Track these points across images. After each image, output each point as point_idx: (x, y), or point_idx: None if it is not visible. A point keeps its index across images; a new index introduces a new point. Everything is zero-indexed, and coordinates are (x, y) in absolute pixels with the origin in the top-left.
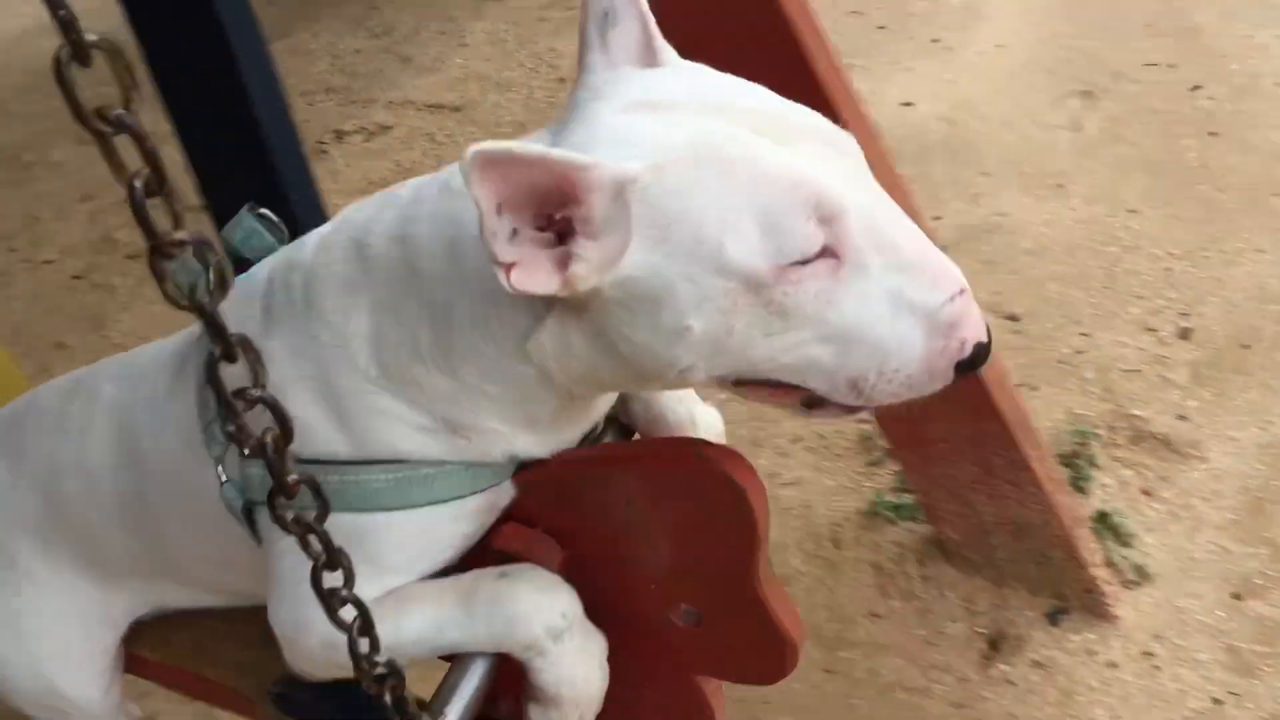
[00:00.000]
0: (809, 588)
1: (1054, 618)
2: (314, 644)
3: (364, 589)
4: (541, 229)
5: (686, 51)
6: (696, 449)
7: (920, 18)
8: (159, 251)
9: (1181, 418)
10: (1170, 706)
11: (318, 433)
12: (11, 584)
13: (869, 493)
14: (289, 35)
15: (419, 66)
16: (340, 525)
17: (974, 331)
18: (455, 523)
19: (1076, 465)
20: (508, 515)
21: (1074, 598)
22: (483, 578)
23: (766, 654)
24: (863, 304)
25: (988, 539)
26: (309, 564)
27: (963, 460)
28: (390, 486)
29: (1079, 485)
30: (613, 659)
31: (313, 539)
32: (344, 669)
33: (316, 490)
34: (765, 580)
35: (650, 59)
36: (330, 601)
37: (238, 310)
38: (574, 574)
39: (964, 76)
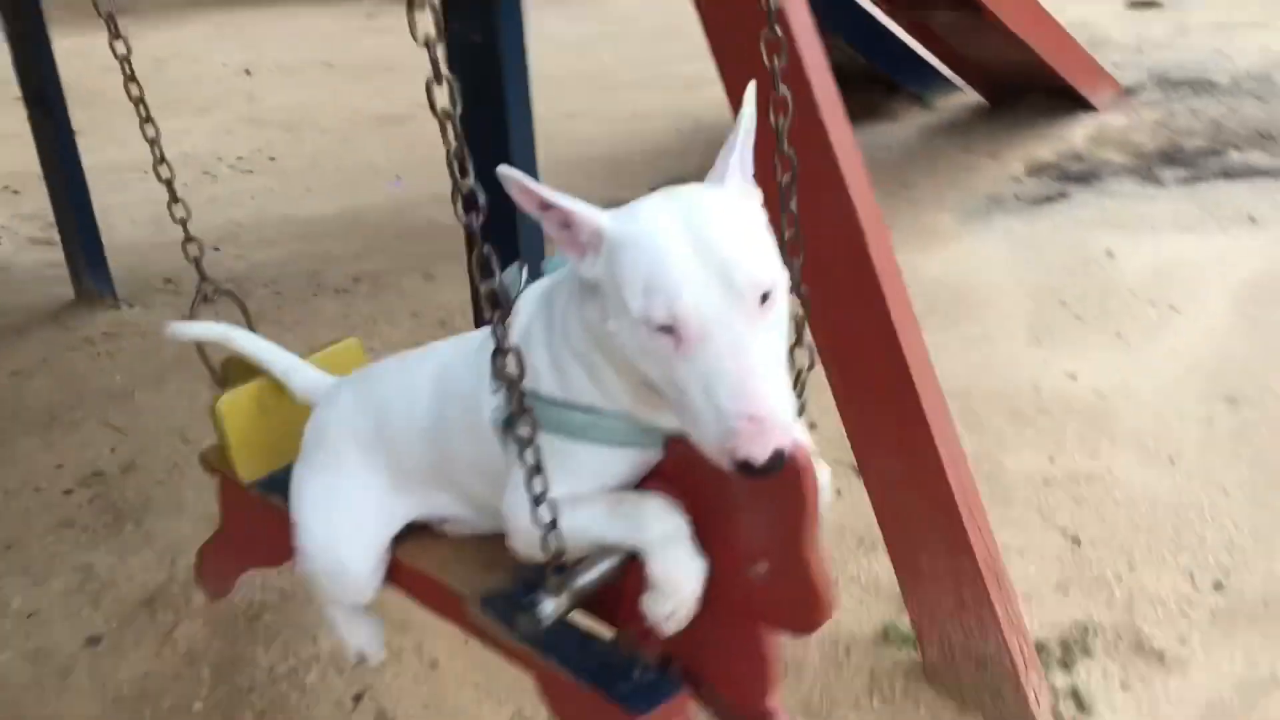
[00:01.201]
0: (816, 672)
1: None
2: (524, 524)
3: (555, 487)
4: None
5: None
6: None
7: (1106, 300)
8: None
9: (1183, 642)
10: None
11: (542, 375)
12: (334, 475)
13: (886, 618)
14: None
15: None
16: (550, 443)
17: (749, 450)
18: (619, 463)
19: (1068, 648)
20: (655, 472)
21: None
22: (629, 495)
23: (809, 610)
24: (685, 375)
25: (956, 668)
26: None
27: (942, 591)
28: (583, 423)
29: (1064, 663)
30: (704, 597)
31: (526, 449)
32: (538, 546)
33: (529, 412)
34: (813, 550)
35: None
36: (535, 501)
37: (527, 301)
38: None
39: (1131, 366)
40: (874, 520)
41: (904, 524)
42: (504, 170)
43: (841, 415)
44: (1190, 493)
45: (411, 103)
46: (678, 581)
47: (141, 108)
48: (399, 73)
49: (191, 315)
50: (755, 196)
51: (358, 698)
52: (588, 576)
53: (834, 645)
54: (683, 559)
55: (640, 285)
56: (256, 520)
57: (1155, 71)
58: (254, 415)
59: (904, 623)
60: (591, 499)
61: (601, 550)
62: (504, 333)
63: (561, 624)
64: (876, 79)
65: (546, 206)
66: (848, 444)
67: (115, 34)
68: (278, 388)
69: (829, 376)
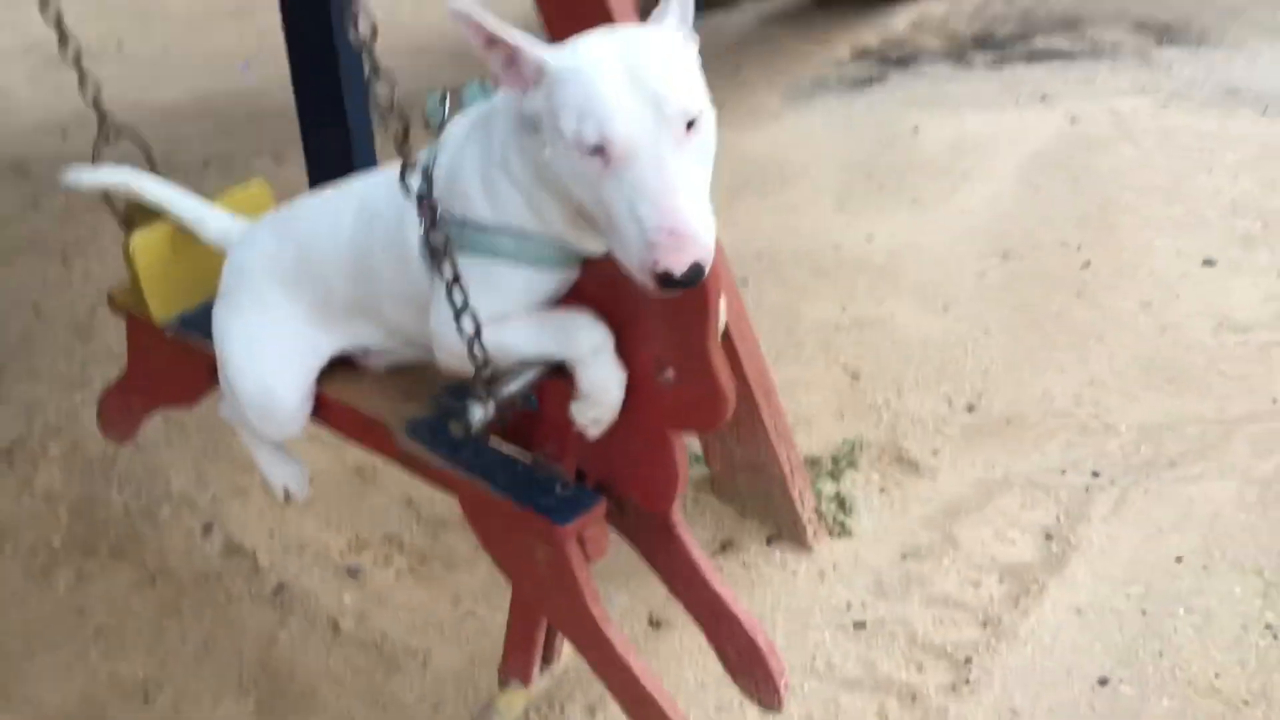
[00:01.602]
0: None
1: (769, 540)
2: (453, 338)
3: (482, 305)
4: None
5: None
6: None
7: (907, 171)
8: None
9: (935, 453)
10: (823, 606)
11: (475, 201)
12: (258, 313)
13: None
14: None
15: None
16: (478, 266)
17: (670, 261)
18: (544, 282)
19: (837, 461)
20: (573, 291)
21: (785, 529)
22: (556, 312)
23: (714, 405)
24: (612, 194)
25: (736, 478)
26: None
27: None
28: (509, 245)
29: (833, 474)
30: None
31: (447, 265)
32: (465, 359)
33: (447, 237)
34: (716, 351)
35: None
36: (458, 313)
37: (456, 130)
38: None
39: (922, 228)
40: None
41: None
42: (455, 5)
43: None
44: (957, 333)
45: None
46: (605, 388)
47: None
48: None
49: (94, 159)
50: (692, 40)
51: (207, 528)
52: (512, 385)
53: None
54: (608, 367)
55: (575, 110)
56: (168, 360)
57: None
58: (166, 255)
59: (695, 443)
60: (520, 316)
61: (522, 364)
62: (408, 150)
63: (483, 449)
64: None
65: (493, 42)
66: None
67: None
68: (185, 236)
69: None
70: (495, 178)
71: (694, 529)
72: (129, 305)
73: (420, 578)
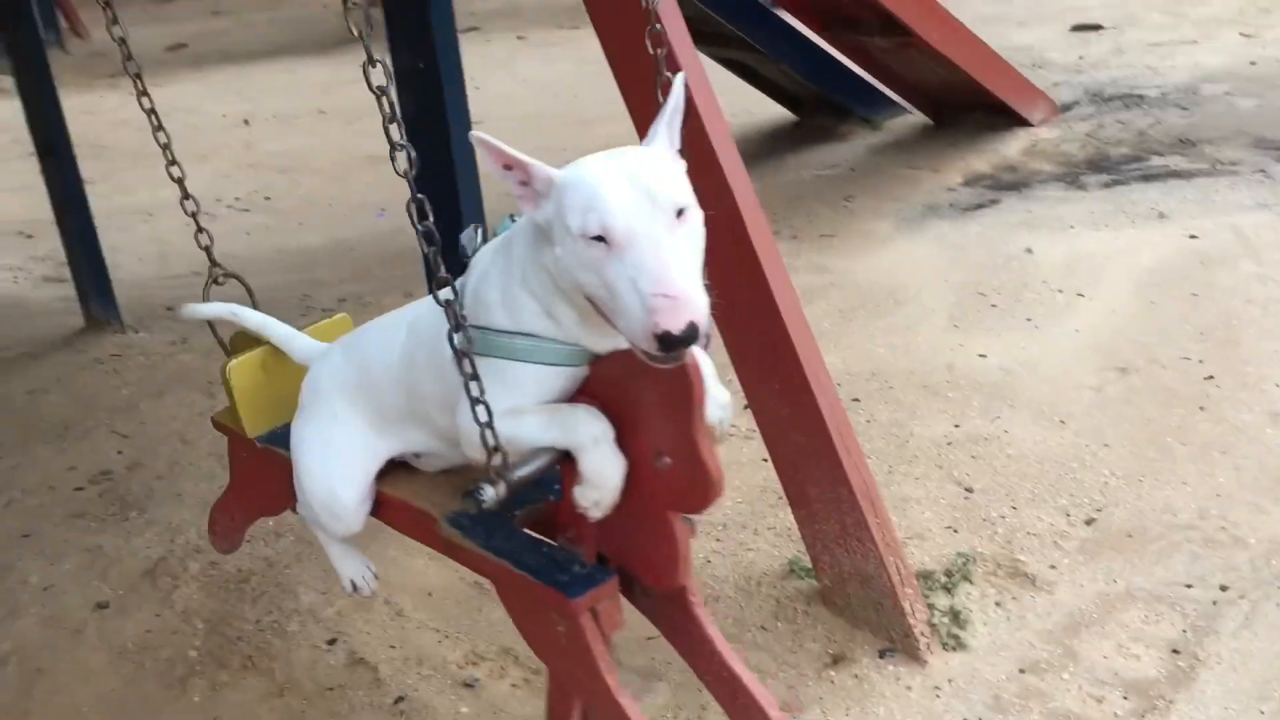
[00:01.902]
0: (729, 603)
1: (883, 653)
2: (472, 431)
3: (498, 400)
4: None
5: None
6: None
7: (1020, 290)
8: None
9: (1053, 567)
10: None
11: (494, 310)
12: (326, 422)
13: (791, 553)
14: None
15: None
16: (496, 365)
17: (668, 322)
18: (555, 379)
19: (951, 574)
20: (580, 389)
21: (899, 641)
22: (563, 406)
23: (704, 488)
24: (615, 274)
25: (845, 589)
26: (490, 389)
27: (828, 519)
28: (525, 347)
29: (947, 587)
30: (625, 490)
31: (466, 362)
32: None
33: (469, 339)
34: (703, 439)
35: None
36: (474, 403)
37: (483, 254)
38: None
39: (1037, 346)
40: None
41: (793, 463)
42: (475, 134)
43: (736, 372)
44: (1075, 447)
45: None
46: (604, 474)
47: (168, 152)
48: None
49: (204, 298)
50: (679, 160)
51: (332, 641)
52: (522, 470)
53: (746, 580)
54: (608, 455)
55: (580, 208)
56: (260, 470)
57: (1091, 89)
58: (258, 378)
59: (806, 558)
60: (532, 409)
61: (535, 452)
62: (438, 266)
63: (513, 535)
64: (827, 104)
65: (509, 165)
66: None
67: (142, 91)
68: (279, 354)
69: (724, 340)
70: (513, 290)
71: (805, 642)
72: (228, 424)
73: (534, 689)
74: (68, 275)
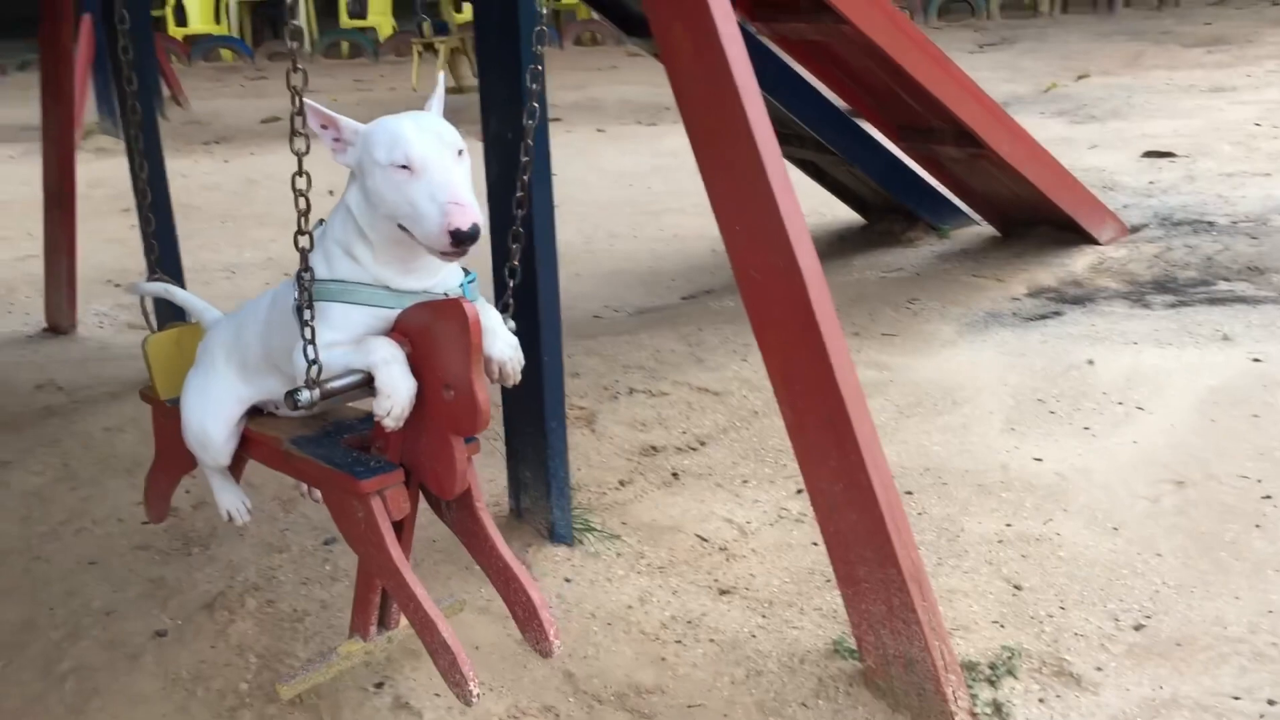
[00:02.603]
0: (772, 677)
1: None
2: (299, 360)
3: (321, 337)
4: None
5: None
6: (456, 302)
7: (1080, 399)
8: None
9: (1099, 669)
10: None
11: (319, 265)
12: (206, 373)
13: (837, 633)
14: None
15: (706, 365)
16: (320, 308)
17: (459, 221)
18: (361, 316)
19: (995, 668)
20: (391, 331)
21: None
22: (367, 338)
23: (474, 419)
24: (417, 190)
25: (889, 670)
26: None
27: (875, 599)
28: (336, 289)
29: (991, 680)
30: (414, 413)
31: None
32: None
33: (306, 284)
34: (477, 377)
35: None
36: (307, 339)
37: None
38: (413, 363)
39: (1093, 454)
40: None
41: (844, 541)
42: (308, 103)
43: (793, 445)
44: (1127, 555)
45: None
46: (394, 386)
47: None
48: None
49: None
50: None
51: (379, 685)
52: (334, 383)
53: (790, 657)
54: (397, 373)
55: (387, 144)
56: (173, 430)
57: (1160, 213)
58: (172, 350)
59: (852, 640)
60: (344, 342)
61: (346, 373)
62: (303, 223)
63: (335, 446)
64: (897, 209)
65: (326, 123)
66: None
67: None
68: (193, 333)
69: (782, 411)
70: (326, 244)
71: (840, 717)
72: (150, 395)
73: None
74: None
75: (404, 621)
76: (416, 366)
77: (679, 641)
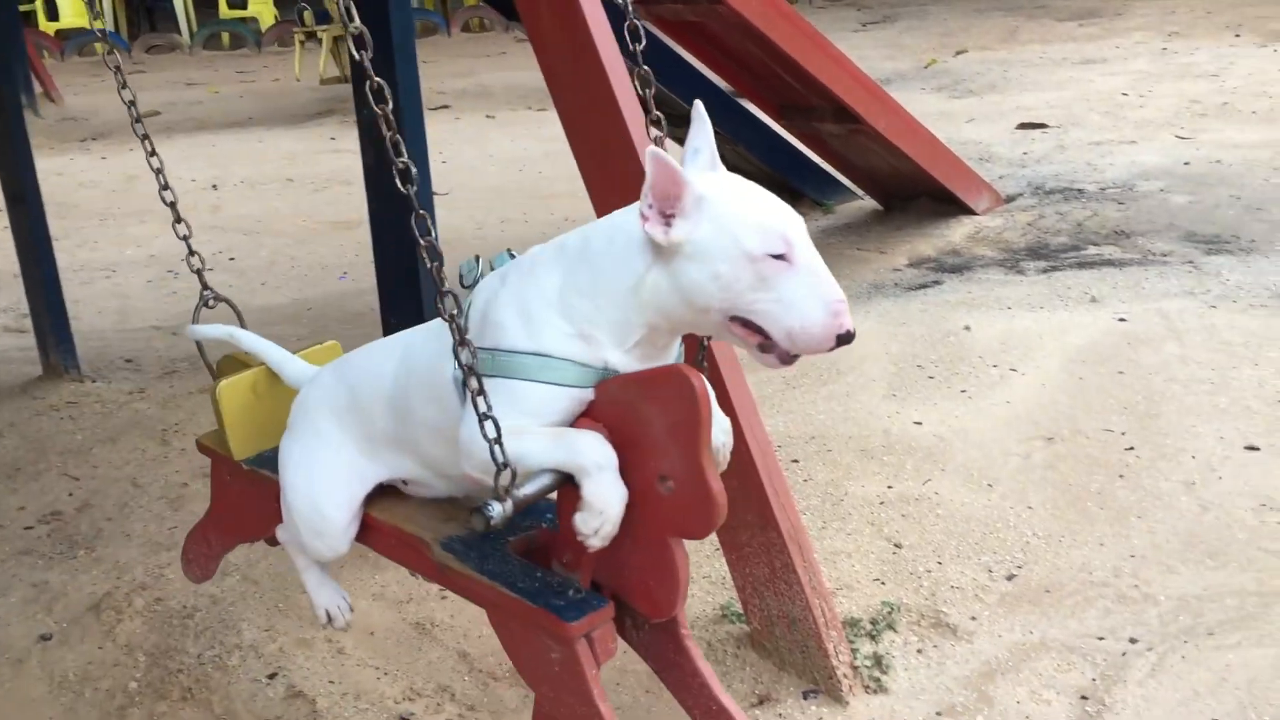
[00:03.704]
0: None
1: (807, 694)
2: (476, 448)
3: (505, 419)
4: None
5: None
6: (678, 369)
7: (957, 364)
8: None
9: (973, 618)
10: None
11: (508, 331)
12: (315, 442)
13: (724, 599)
14: None
15: None
16: (501, 385)
17: (849, 323)
18: (561, 400)
19: (876, 623)
20: (584, 412)
21: (823, 683)
22: (569, 429)
23: (708, 511)
24: (796, 286)
25: (774, 631)
26: (496, 407)
27: (758, 562)
28: (534, 363)
29: (872, 635)
30: (626, 516)
31: (474, 379)
32: (490, 468)
33: (474, 355)
34: (708, 461)
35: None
36: (482, 420)
37: (489, 282)
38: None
39: (969, 415)
40: None
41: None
42: (653, 151)
43: None
44: (1001, 509)
45: (363, 211)
46: (606, 500)
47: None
48: (354, 185)
49: (195, 319)
50: None
51: (272, 676)
52: (528, 488)
53: None
54: (611, 482)
55: (759, 228)
56: (243, 494)
57: (1034, 182)
58: (248, 400)
59: (739, 604)
60: (538, 430)
61: (538, 473)
62: (442, 282)
63: (507, 558)
64: (781, 187)
65: (674, 188)
66: None
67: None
68: (269, 378)
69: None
70: (539, 311)
71: (733, 682)
72: (213, 446)
73: None
74: (27, 327)
75: None
76: (620, 455)
77: None
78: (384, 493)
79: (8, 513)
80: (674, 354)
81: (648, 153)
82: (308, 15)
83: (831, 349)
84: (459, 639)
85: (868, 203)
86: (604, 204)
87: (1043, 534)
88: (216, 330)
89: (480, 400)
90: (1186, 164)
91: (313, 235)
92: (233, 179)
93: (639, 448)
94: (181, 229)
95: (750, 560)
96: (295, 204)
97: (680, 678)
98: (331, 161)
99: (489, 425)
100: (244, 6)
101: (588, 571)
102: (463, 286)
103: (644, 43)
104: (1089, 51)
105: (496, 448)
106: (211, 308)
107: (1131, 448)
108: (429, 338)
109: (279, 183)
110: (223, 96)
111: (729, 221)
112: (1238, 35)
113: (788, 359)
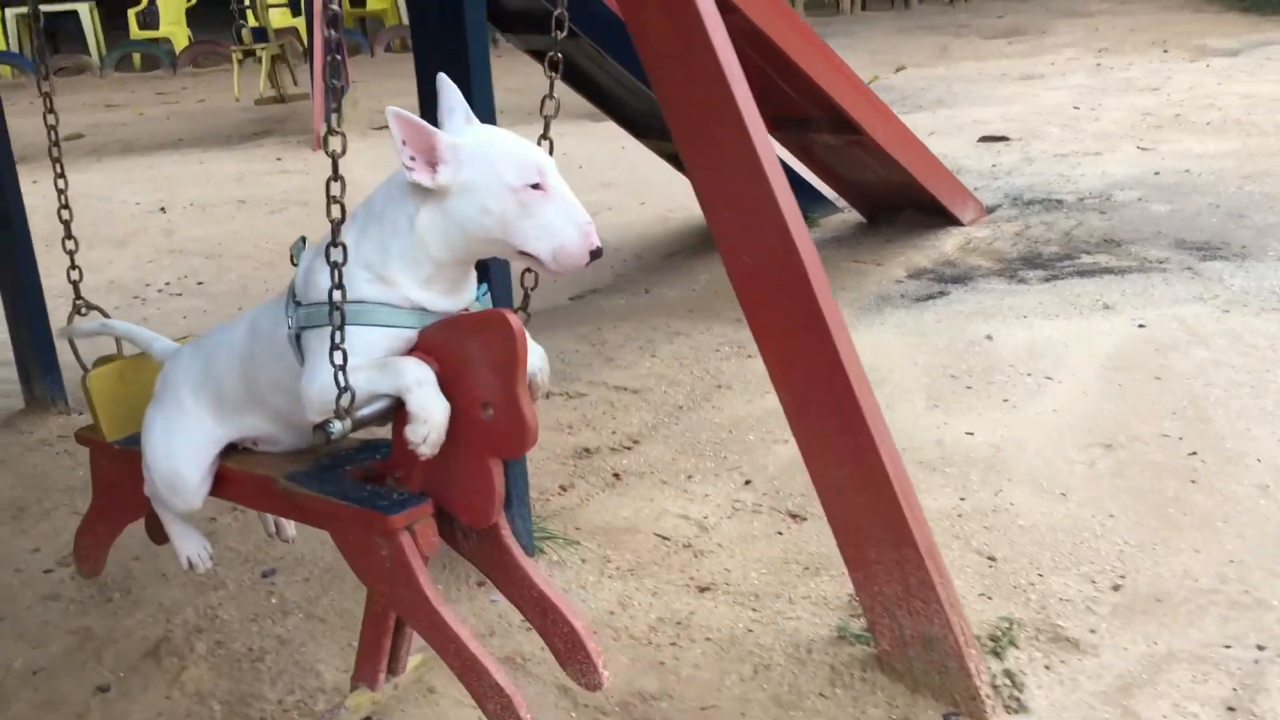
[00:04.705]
0: (782, 669)
1: (947, 717)
2: (314, 389)
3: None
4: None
5: None
6: (501, 314)
7: (990, 373)
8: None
9: (1092, 631)
10: None
11: (324, 288)
12: (173, 410)
13: (841, 620)
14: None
15: (617, 364)
16: (329, 331)
17: (596, 240)
18: (382, 339)
19: (997, 639)
20: (413, 348)
21: (963, 704)
22: (391, 358)
23: (521, 436)
24: (554, 212)
25: (907, 652)
26: (324, 354)
27: (890, 580)
28: (354, 311)
29: (995, 652)
30: (451, 437)
31: (308, 334)
32: (328, 411)
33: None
34: (523, 392)
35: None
36: (333, 349)
37: (306, 255)
38: (441, 383)
39: (1019, 424)
40: (814, 552)
41: (854, 524)
42: (392, 110)
43: (794, 432)
44: (1082, 518)
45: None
46: (429, 409)
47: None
48: (312, 207)
49: (69, 323)
50: None
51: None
52: (364, 411)
53: (795, 648)
54: (431, 395)
55: (516, 163)
56: (119, 476)
57: (1010, 193)
58: (116, 387)
59: (855, 624)
60: (366, 364)
61: (372, 398)
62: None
63: (342, 479)
64: None
65: (416, 136)
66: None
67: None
68: (136, 367)
69: (780, 398)
70: (348, 269)
71: (866, 708)
72: (89, 435)
73: None
74: (3, 359)
75: (410, 666)
76: (446, 387)
77: (673, 644)
78: (236, 452)
79: (22, 556)
80: (471, 286)
81: (388, 112)
82: (246, 33)
83: (586, 264)
84: (553, 671)
85: (851, 215)
86: (717, 211)
87: (1134, 542)
88: (91, 324)
89: (313, 342)
90: (1157, 174)
91: (277, 258)
92: (180, 201)
93: (465, 379)
94: (70, 245)
95: (880, 578)
96: (252, 226)
97: (505, 574)
98: (283, 183)
99: (337, 355)
100: (156, 27)
101: (417, 486)
102: (293, 264)
103: None
104: (1024, 67)
105: (340, 374)
106: (84, 314)
107: (1194, 453)
108: (269, 307)
109: (231, 204)
110: (148, 118)
111: (489, 160)
112: (1165, 51)
113: (554, 273)
